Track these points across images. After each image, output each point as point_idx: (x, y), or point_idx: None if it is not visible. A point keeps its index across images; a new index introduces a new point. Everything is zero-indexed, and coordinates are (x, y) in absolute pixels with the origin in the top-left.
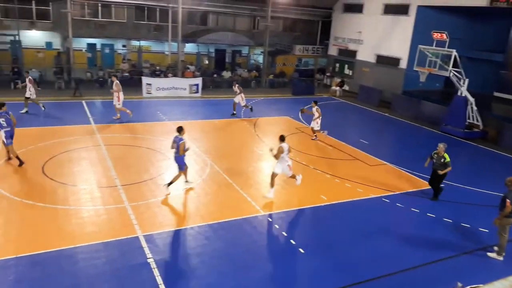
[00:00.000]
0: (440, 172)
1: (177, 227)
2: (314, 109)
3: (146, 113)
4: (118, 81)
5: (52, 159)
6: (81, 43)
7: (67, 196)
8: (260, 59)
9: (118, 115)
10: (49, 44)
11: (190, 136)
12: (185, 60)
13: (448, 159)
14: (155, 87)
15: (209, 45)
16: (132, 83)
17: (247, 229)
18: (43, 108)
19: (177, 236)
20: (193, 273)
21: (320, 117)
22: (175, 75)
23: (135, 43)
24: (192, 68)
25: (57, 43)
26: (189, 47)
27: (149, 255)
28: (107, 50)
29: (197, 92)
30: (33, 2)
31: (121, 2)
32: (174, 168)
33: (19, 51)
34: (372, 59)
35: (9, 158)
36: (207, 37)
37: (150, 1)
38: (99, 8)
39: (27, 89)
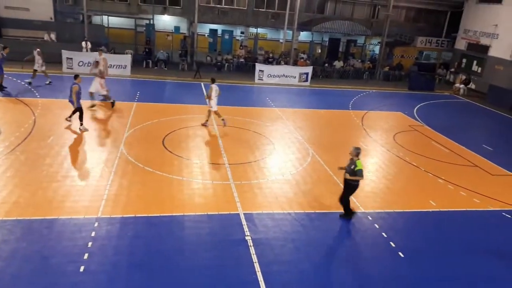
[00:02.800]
0: (347, 176)
1: (275, 210)
2: (100, 57)
3: (256, 99)
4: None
5: (171, 133)
6: (204, 29)
7: (181, 168)
8: (376, 49)
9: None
10: (177, 28)
11: (295, 124)
12: (297, 49)
13: (359, 167)
14: (267, 73)
15: (323, 34)
16: (246, 69)
17: (344, 224)
18: (48, 82)
19: (274, 219)
20: (287, 257)
21: (106, 72)
22: (286, 63)
23: (253, 30)
24: (305, 56)
25: (183, 27)
26: (303, 35)
27: (247, 232)
28: (226, 36)
29: (306, 80)
30: None
31: None
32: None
33: (152, 33)
34: (508, 56)
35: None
36: (323, 25)
37: None
38: None
39: (35, 62)
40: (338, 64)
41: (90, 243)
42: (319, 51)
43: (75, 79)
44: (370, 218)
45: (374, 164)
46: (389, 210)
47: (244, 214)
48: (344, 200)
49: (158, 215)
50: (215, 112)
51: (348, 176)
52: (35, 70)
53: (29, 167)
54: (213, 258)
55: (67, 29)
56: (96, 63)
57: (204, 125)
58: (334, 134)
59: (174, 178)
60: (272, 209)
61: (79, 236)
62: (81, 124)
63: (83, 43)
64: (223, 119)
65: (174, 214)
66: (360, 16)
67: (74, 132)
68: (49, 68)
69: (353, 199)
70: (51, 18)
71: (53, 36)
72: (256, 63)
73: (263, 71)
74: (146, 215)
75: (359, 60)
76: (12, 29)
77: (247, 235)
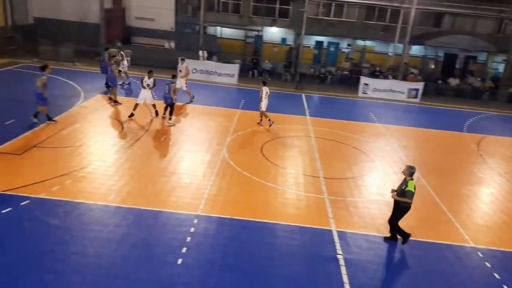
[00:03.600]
0: (396, 197)
1: (371, 232)
2: (183, 65)
3: (358, 113)
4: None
5: (269, 142)
6: (310, 41)
7: (276, 176)
8: (501, 68)
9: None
10: (283, 40)
11: (399, 143)
12: (408, 63)
13: (410, 188)
14: (372, 87)
15: (438, 49)
16: (350, 82)
17: (449, 257)
18: (127, 82)
19: (369, 241)
20: (380, 283)
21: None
22: (395, 78)
23: (360, 42)
24: (415, 71)
25: (290, 39)
26: (415, 49)
27: (339, 251)
28: (332, 48)
29: (416, 97)
30: (278, 1)
31: (355, 2)
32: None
33: (260, 45)
34: None
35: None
36: (438, 39)
37: (383, 1)
38: (332, 7)
39: (122, 64)
40: (453, 81)
41: (188, 238)
42: (433, 66)
43: (173, 78)
44: (481, 255)
45: (490, 195)
46: (504, 248)
47: (337, 231)
48: (394, 224)
49: (252, 219)
50: (262, 113)
51: (395, 196)
52: (124, 71)
53: (143, 161)
54: (303, 270)
55: (184, 38)
56: (179, 71)
57: (259, 124)
58: (444, 157)
59: (269, 185)
60: (368, 231)
61: (180, 230)
62: (170, 119)
63: (200, 52)
64: (269, 120)
65: (267, 221)
66: (482, 30)
67: (184, 134)
68: (166, 74)
69: (460, 229)
70: (172, 28)
71: (172, 44)
72: (361, 76)
73: (368, 84)
74: (241, 218)
75: (479, 79)
76: (139, 37)
77: (339, 254)
